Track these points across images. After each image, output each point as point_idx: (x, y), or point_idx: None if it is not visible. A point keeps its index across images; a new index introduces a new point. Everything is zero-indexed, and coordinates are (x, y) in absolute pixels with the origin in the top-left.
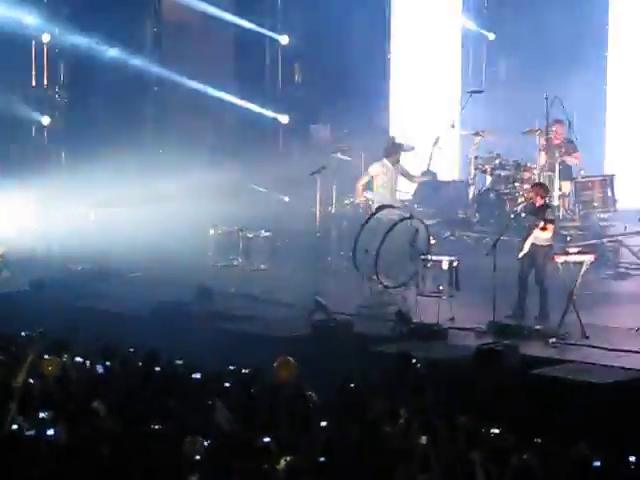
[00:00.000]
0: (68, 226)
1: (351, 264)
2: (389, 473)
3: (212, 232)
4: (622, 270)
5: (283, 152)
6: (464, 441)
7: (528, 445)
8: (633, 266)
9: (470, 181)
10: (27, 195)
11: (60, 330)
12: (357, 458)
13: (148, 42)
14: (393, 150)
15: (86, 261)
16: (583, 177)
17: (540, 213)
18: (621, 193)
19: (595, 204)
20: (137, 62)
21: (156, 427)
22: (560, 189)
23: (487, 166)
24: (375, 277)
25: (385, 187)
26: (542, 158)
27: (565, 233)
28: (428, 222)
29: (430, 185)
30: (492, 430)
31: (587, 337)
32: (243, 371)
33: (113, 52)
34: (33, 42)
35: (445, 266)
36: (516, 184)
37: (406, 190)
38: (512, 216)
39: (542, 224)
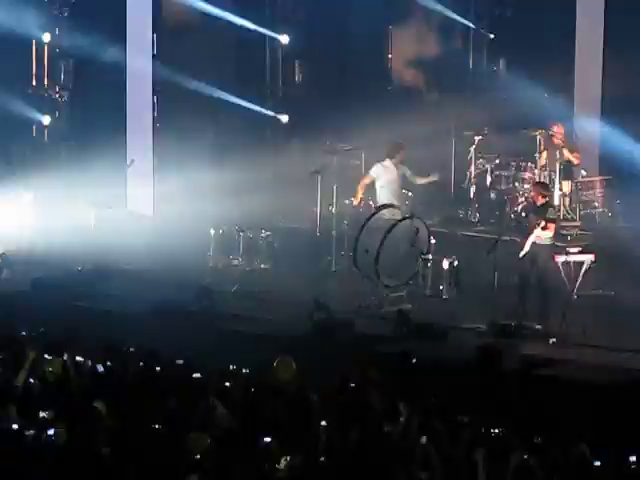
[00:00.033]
0: (68, 226)
1: (352, 264)
2: (389, 473)
3: (212, 232)
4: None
5: (283, 152)
6: (464, 441)
7: (528, 445)
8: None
9: (470, 181)
10: (27, 195)
11: (60, 330)
12: (357, 458)
13: (148, 42)
14: (395, 150)
15: (86, 261)
16: (584, 177)
17: (542, 212)
18: None
19: (596, 204)
20: (137, 62)
21: (156, 427)
22: (561, 189)
23: (487, 165)
24: (376, 277)
25: (387, 189)
26: (542, 158)
27: (566, 233)
28: (428, 222)
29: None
30: (492, 430)
31: (588, 336)
32: (243, 371)
33: (113, 52)
34: (33, 41)
35: (445, 266)
36: (516, 184)
37: (405, 189)
38: (512, 216)
39: (543, 223)
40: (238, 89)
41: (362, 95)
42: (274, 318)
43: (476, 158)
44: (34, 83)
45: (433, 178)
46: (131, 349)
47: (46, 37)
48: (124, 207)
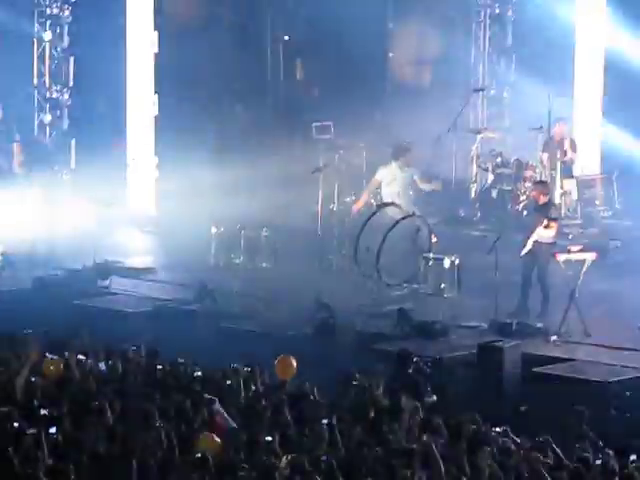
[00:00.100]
0: (69, 224)
1: (353, 262)
2: (391, 471)
3: (214, 230)
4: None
5: (284, 150)
6: (466, 440)
7: (530, 444)
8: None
9: (472, 179)
10: (28, 193)
11: (62, 328)
12: (359, 456)
13: (149, 41)
14: (401, 152)
15: (87, 260)
16: (585, 175)
17: (544, 211)
18: None
19: (597, 202)
20: (137, 61)
21: (158, 425)
22: (562, 187)
23: (489, 164)
24: (377, 275)
25: (393, 191)
26: (544, 156)
27: (567, 231)
28: (430, 220)
29: None
30: (494, 428)
31: (589, 335)
32: (245, 369)
33: (114, 50)
34: (35, 40)
35: (447, 264)
36: (518, 182)
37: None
38: (514, 214)
39: (545, 222)
40: (239, 88)
41: (364, 92)
42: (275, 317)
43: (477, 157)
44: (35, 82)
45: (436, 187)
46: (132, 348)
47: (47, 36)
48: (125, 206)
